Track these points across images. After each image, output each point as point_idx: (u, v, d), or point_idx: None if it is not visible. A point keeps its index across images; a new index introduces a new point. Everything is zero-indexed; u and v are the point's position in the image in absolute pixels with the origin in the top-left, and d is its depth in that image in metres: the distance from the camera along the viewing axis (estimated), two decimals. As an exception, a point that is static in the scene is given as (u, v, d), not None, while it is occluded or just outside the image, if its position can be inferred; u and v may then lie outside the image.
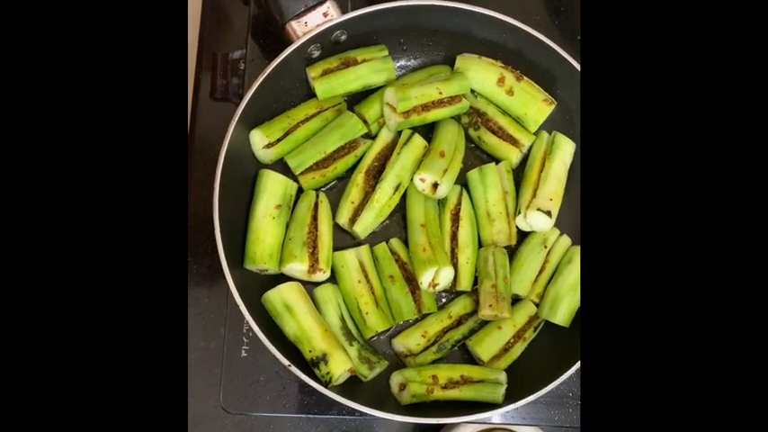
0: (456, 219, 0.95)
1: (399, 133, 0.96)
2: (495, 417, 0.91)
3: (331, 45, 0.94)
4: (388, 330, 0.94)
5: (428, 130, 0.98)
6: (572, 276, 0.92)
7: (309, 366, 0.85)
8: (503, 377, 0.89)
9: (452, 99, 0.94)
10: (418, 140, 0.95)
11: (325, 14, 0.92)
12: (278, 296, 0.88)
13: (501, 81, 0.96)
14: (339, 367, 0.84)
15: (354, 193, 0.94)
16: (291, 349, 0.87)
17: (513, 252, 0.97)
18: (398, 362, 0.94)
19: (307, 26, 0.91)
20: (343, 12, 0.94)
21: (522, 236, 0.97)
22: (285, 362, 0.81)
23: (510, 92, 0.96)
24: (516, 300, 0.95)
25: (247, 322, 0.83)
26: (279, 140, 0.92)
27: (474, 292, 0.94)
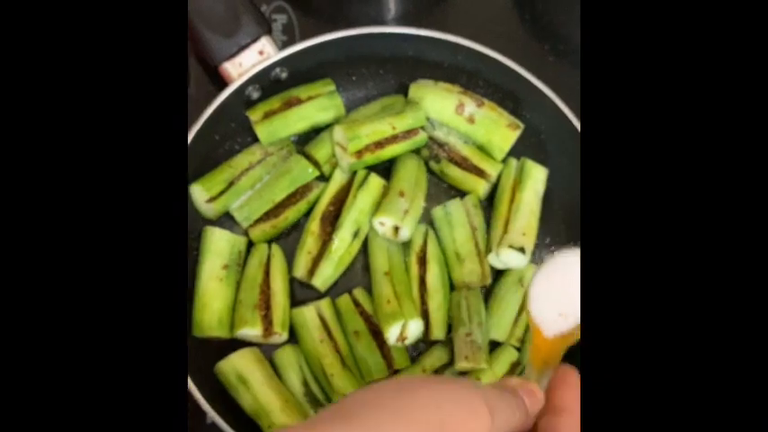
0: (423, 262, 0.87)
1: (355, 173, 0.88)
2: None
3: (272, 84, 0.86)
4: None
5: (387, 167, 0.90)
6: (554, 316, 0.84)
7: (271, 443, 0.78)
8: (485, 436, 0.81)
9: (408, 133, 0.86)
10: (375, 181, 0.87)
11: (260, 52, 0.84)
12: (230, 367, 0.80)
13: (460, 108, 0.87)
14: (301, 443, 0.76)
15: (310, 242, 0.86)
16: (252, 425, 0.80)
17: (488, 292, 0.89)
18: (373, 422, 0.86)
19: (242, 67, 0.84)
20: (285, 45, 0.86)
21: (498, 274, 0.89)
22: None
23: (471, 119, 0.87)
24: (495, 345, 0.87)
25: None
26: (222, 193, 0.85)
27: (449, 341, 0.86)
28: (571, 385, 0.46)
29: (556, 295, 0.53)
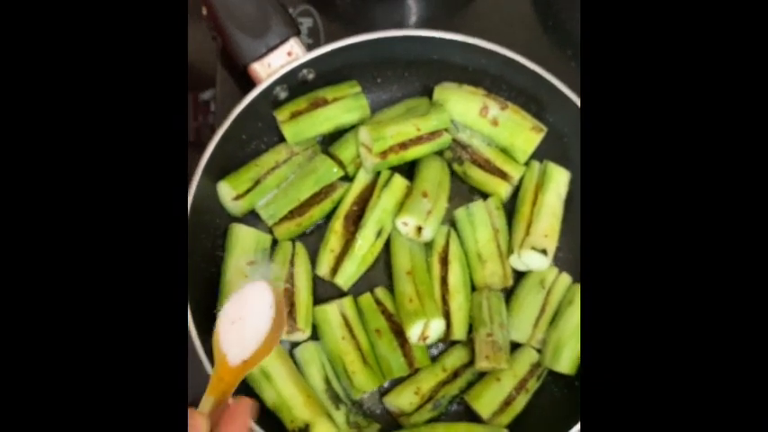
0: (445, 262, 0.88)
1: (379, 173, 0.89)
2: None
3: (299, 85, 0.88)
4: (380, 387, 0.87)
5: (410, 168, 0.91)
6: (574, 318, 0.84)
7: (292, 438, 0.78)
8: (505, 436, 0.82)
9: (432, 135, 0.87)
10: (399, 181, 0.88)
11: (289, 53, 0.86)
12: (254, 362, 0.81)
13: (484, 110, 0.88)
14: (323, 438, 0.77)
15: (334, 241, 0.88)
16: (274, 418, 0.80)
17: (509, 294, 0.89)
18: (392, 420, 0.87)
19: (270, 67, 0.85)
20: (310, 48, 0.87)
21: (519, 276, 0.90)
22: (264, 436, 0.75)
23: (494, 122, 0.88)
24: (516, 346, 0.87)
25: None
26: (248, 191, 0.86)
27: (470, 341, 0.87)
28: (240, 421, 0.49)
29: (240, 323, 0.59)
